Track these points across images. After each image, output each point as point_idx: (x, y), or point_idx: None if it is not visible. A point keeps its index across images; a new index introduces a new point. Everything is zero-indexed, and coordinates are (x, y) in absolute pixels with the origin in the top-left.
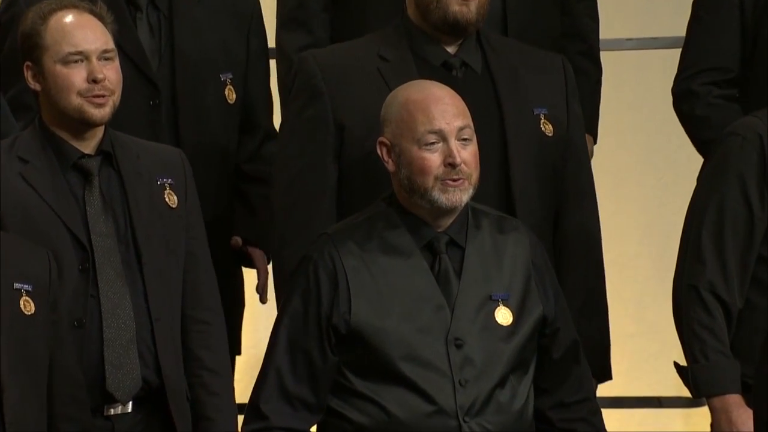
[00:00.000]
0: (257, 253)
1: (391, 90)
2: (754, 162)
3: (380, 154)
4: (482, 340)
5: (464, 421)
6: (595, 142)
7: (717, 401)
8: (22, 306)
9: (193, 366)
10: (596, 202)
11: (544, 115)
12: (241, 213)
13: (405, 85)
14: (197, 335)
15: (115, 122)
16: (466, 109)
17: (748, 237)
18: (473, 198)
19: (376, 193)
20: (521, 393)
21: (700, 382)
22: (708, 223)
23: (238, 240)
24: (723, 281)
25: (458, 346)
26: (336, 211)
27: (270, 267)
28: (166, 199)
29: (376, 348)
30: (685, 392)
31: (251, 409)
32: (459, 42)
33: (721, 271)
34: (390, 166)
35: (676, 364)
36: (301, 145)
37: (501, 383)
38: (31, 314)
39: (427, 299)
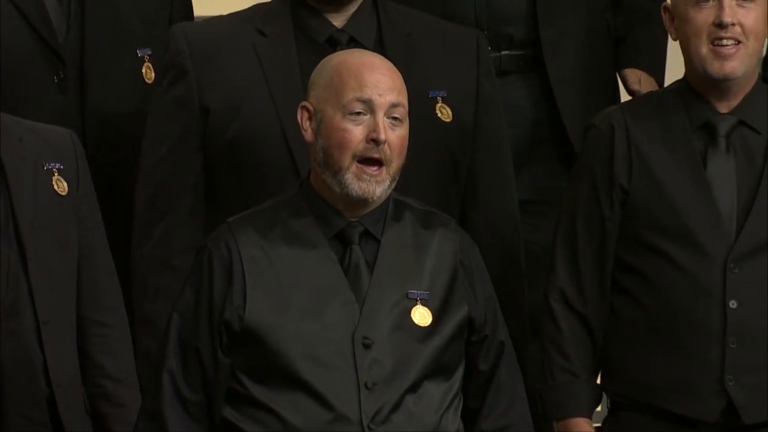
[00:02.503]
0: None
1: (264, 70)
2: (604, 156)
3: (299, 121)
4: (394, 340)
5: (369, 429)
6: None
7: (561, 425)
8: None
9: (93, 375)
10: (515, 194)
11: (442, 98)
12: None
13: (346, 50)
14: (97, 340)
15: (13, 98)
16: (404, 88)
17: (602, 239)
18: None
19: (243, 185)
20: (437, 403)
21: (546, 404)
22: (561, 225)
23: None
24: (575, 289)
25: (366, 346)
26: (205, 205)
27: None
28: (55, 186)
29: (272, 347)
30: None
31: (145, 415)
32: (348, 14)
33: (572, 278)
34: (308, 135)
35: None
36: (165, 129)
37: (413, 388)
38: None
39: (333, 294)
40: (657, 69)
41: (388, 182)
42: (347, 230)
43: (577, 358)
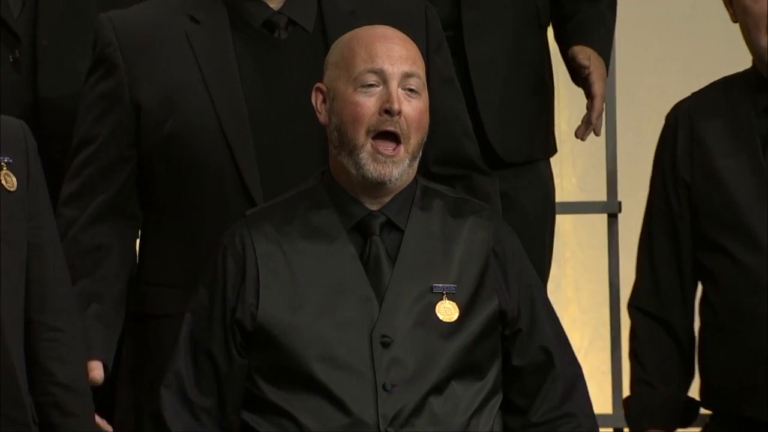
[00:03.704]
0: None
1: (198, 60)
2: (669, 150)
3: (314, 104)
4: (417, 337)
5: None
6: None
7: None
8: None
9: (42, 382)
10: (490, 173)
11: None
12: None
13: (360, 27)
14: (46, 345)
15: None
16: (421, 58)
17: (675, 239)
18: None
19: (180, 183)
20: (465, 404)
21: (629, 416)
22: (643, 227)
23: None
24: (655, 295)
25: (385, 345)
26: (142, 205)
27: None
28: (2, 181)
29: (285, 347)
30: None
31: (152, 418)
32: None
33: (652, 284)
34: (322, 117)
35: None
36: (93, 125)
37: (437, 389)
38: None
39: (350, 289)
40: (605, 48)
41: (407, 162)
42: (367, 220)
43: (654, 367)
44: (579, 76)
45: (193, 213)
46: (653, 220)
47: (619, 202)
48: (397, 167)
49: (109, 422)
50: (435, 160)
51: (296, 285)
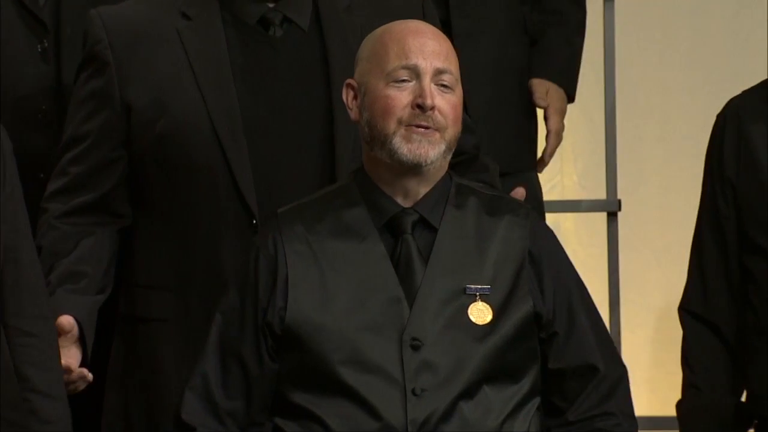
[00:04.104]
0: None
1: (189, 58)
2: (717, 149)
3: (344, 100)
4: (448, 340)
5: None
6: (570, 100)
7: None
8: None
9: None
10: (496, 173)
11: None
12: None
13: (392, 22)
14: (22, 350)
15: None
16: (453, 54)
17: (723, 240)
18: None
19: (173, 185)
20: (499, 408)
21: (680, 420)
22: (695, 229)
23: None
24: (702, 297)
25: (415, 348)
26: (135, 207)
27: None
28: None
29: (313, 350)
30: None
31: (174, 420)
32: None
33: (700, 286)
34: (353, 113)
35: None
36: (83, 123)
37: (468, 393)
38: None
39: (380, 290)
40: (567, 79)
41: (443, 147)
42: (400, 217)
43: (703, 370)
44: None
45: (184, 215)
46: (702, 220)
47: (619, 200)
48: (433, 148)
49: (97, 426)
50: None
51: (325, 285)
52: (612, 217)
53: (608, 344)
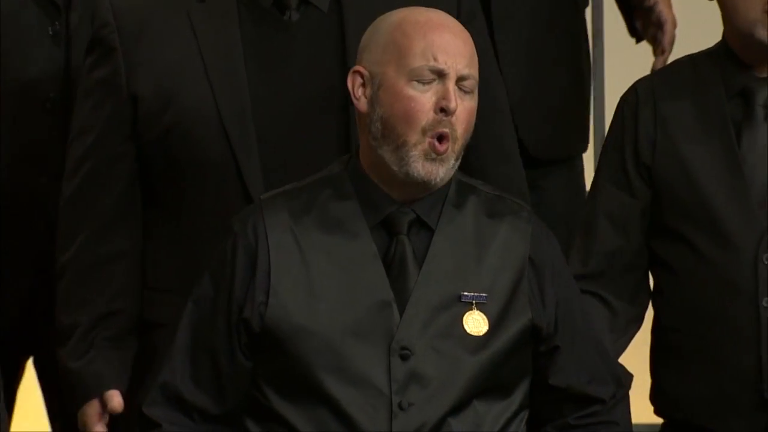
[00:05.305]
0: None
1: (199, 43)
2: (628, 131)
3: (350, 89)
4: (440, 351)
5: None
6: None
7: None
8: None
9: None
10: (520, 164)
11: None
12: None
13: (405, 7)
14: None
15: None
16: (476, 56)
17: (621, 228)
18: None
19: (180, 181)
20: (489, 425)
21: None
22: (588, 211)
23: None
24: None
25: (404, 358)
26: (142, 202)
27: None
28: None
29: (294, 354)
30: None
31: (137, 414)
32: None
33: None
34: (361, 104)
35: None
36: (91, 116)
37: (458, 408)
38: None
39: (369, 292)
40: None
41: (452, 162)
42: (395, 216)
43: None
44: (641, 5)
45: (190, 214)
46: (598, 201)
47: None
48: (443, 166)
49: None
50: None
51: (310, 284)
52: None
53: (610, 361)
